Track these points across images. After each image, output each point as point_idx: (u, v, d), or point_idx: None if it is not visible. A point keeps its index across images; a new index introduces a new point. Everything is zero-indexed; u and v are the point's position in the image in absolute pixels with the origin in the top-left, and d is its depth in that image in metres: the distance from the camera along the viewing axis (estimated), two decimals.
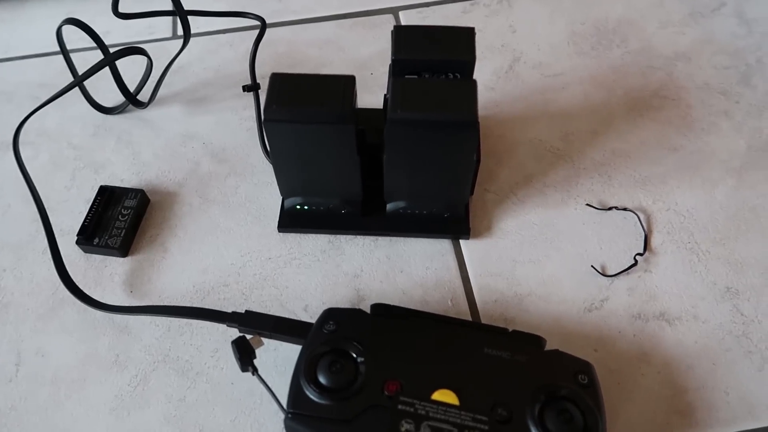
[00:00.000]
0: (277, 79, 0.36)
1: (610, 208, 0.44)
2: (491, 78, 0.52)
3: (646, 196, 0.45)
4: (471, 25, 0.38)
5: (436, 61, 0.37)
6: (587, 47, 0.54)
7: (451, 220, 0.43)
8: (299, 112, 0.35)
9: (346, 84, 0.36)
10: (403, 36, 0.38)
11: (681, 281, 0.41)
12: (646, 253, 0.42)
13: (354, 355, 0.34)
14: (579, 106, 0.50)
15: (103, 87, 0.52)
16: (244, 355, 0.35)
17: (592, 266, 0.42)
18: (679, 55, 0.53)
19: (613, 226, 0.43)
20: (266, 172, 0.47)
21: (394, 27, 0.39)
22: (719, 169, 0.46)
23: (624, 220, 0.44)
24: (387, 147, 0.37)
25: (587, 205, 0.45)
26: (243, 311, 0.38)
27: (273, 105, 0.35)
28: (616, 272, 0.41)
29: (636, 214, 0.44)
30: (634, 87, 0.51)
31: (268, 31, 0.53)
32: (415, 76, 0.38)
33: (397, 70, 0.38)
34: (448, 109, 0.35)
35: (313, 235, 0.44)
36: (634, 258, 0.42)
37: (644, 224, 0.43)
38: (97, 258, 0.44)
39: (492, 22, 0.56)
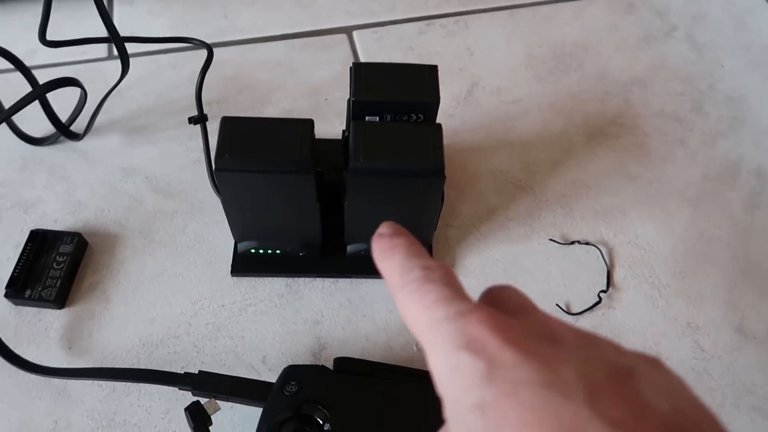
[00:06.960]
0: (228, 123, 0.34)
1: (572, 243, 0.44)
2: (450, 104, 0.51)
3: (607, 228, 0.45)
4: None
5: (398, 102, 0.35)
6: (545, 72, 0.53)
7: None
8: (254, 161, 0.33)
9: (303, 129, 0.34)
10: (362, 74, 0.36)
11: (644, 318, 0.41)
12: (609, 289, 0.42)
13: (320, 422, 0.32)
14: (539, 134, 0.49)
15: (31, 114, 0.47)
16: (199, 423, 0.33)
17: (557, 305, 0.41)
18: (634, 80, 0.53)
19: (577, 262, 0.43)
20: (217, 209, 0.44)
21: (353, 64, 0.36)
22: (676, 199, 0.46)
23: (587, 255, 0.43)
24: (349, 194, 0.35)
25: (550, 240, 0.44)
26: (196, 371, 0.35)
27: (225, 154, 0.32)
28: (581, 310, 0.41)
29: (598, 249, 0.44)
30: (592, 114, 0.51)
31: (214, 51, 0.49)
32: (376, 118, 0.36)
33: (356, 111, 0.36)
34: (414, 156, 0.33)
35: (270, 279, 0.42)
36: (598, 295, 0.41)
37: (606, 259, 0.43)
38: (30, 311, 0.40)
39: (449, 44, 0.54)
